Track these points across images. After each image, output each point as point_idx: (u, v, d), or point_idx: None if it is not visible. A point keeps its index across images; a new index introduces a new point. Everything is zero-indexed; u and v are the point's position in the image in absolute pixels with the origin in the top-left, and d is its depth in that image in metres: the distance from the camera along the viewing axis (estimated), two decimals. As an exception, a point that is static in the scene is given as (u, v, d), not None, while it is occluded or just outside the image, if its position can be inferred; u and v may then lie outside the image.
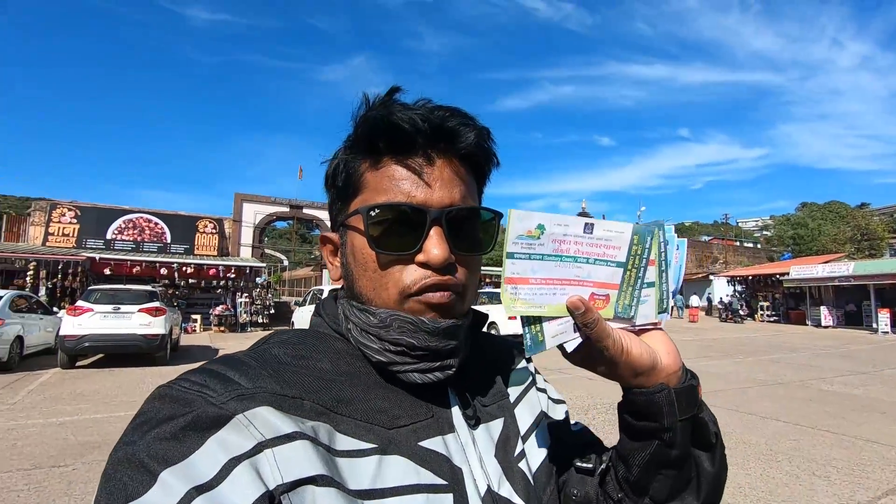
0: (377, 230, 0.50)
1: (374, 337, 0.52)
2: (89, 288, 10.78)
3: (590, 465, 0.62)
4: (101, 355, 10.58)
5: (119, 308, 9.78)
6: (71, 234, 19.75)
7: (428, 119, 0.51)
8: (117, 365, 9.95)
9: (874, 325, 20.00)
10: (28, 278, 15.63)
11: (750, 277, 29.35)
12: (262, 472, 0.40)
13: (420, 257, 0.50)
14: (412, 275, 0.50)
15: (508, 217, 0.46)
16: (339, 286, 0.61)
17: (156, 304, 10.21)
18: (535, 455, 0.61)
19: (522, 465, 0.58)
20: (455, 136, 0.52)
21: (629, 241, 0.50)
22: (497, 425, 0.59)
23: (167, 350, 10.44)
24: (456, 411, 0.56)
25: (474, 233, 0.54)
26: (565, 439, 0.67)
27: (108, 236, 20.30)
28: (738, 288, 30.02)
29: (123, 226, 20.70)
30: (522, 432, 0.61)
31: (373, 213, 0.50)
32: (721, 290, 32.27)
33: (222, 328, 19.16)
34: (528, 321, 0.49)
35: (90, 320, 9.47)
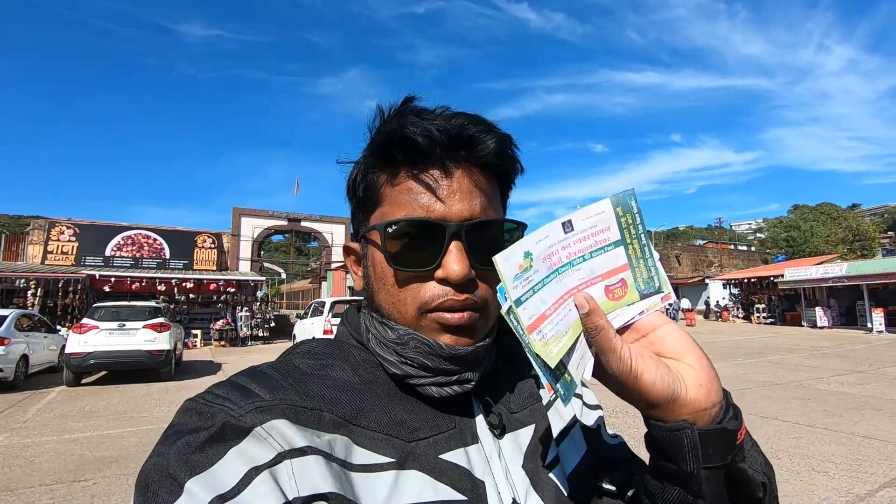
0: (395, 246, 0.49)
1: (391, 350, 0.51)
2: (94, 305, 10.85)
3: (613, 489, 0.57)
4: (105, 372, 10.63)
5: (124, 325, 9.86)
6: (70, 252, 19.82)
7: (445, 129, 0.49)
8: (122, 381, 10.00)
9: (869, 325, 20.25)
10: (30, 297, 15.64)
11: (745, 280, 29.64)
12: (281, 483, 0.40)
13: (439, 273, 0.48)
14: (430, 291, 0.49)
15: (496, 265, 0.41)
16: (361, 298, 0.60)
17: (160, 319, 10.30)
18: (568, 462, 0.58)
19: (554, 474, 0.55)
20: (474, 144, 0.50)
21: (614, 215, 0.45)
22: (527, 433, 0.56)
23: (172, 365, 10.50)
24: (480, 421, 0.54)
25: (497, 246, 0.48)
26: (596, 451, 0.62)
27: (108, 253, 20.37)
28: (734, 291, 30.29)
29: (122, 242, 20.78)
30: (560, 433, 0.59)
31: (390, 230, 0.49)
32: (717, 293, 32.54)
33: (223, 343, 19.17)
34: (548, 370, 0.43)
35: (95, 337, 9.54)
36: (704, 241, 55.64)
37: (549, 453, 0.56)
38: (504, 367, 0.61)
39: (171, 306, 16.80)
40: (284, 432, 0.42)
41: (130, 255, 20.76)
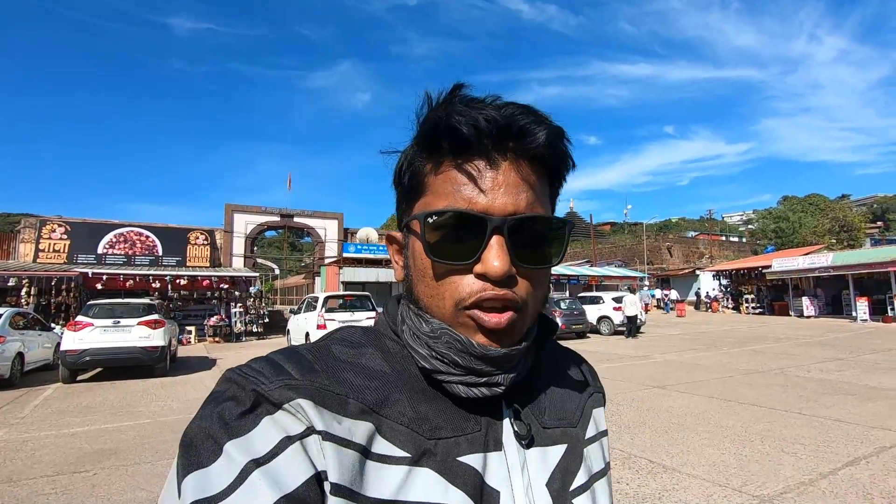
0: (435, 237, 0.48)
1: (423, 343, 0.51)
2: (88, 303, 10.91)
3: None
4: (100, 369, 10.75)
5: (119, 322, 9.96)
6: (62, 250, 19.77)
7: (493, 118, 0.47)
8: (118, 378, 10.12)
9: (854, 314, 20.69)
10: (23, 295, 15.65)
11: (734, 271, 30.06)
12: (311, 454, 0.42)
13: (478, 268, 0.47)
14: (469, 286, 0.48)
15: None
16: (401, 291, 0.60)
17: (155, 316, 10.40)
18: (600, 498, 0.56)
19: (581, 500, 0.53)
20: (524, 135, 0.48)
21: None
22: (556, 451, 0.54)
23: (167, 361, 10.63)
24: (507, 428, 0.52)
25: (540, 243, 0.50)
26: None
27: (100, 251, 20.33)
28: (724, 282, 30.72)
29: (114, 240, 20.74)
30: (593, 471, 0.57)
31: (430, 220, 0.48)
32: (708, 284, 32.98)
33: (217, 339, 19.28)
34: None
35: (90, 335, 9.64)
36: (697, 233, 56.06)
37: (578, 479, 0.54)
38: (545, 378, 0.59)
39: (165, 303, 16.86)
40: (308, 412, 0.43)
41: (123, 252, 20.74)
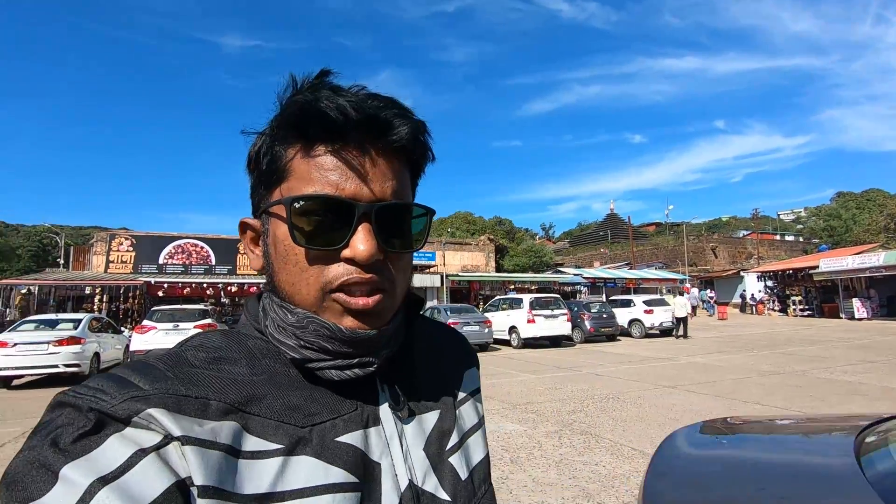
0: (302, 222, 0.47)
1: (290, 335, 0.50)
2: (152, 309, 12.33)
3: None
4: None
5: (178, 325, 11.23)
6: (128, 261, 21.97)
7: (360, 108, 0.47)
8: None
9: (909, 316, 19.62)
10: (97, 302, 17.59)
11: (780, 272, 28.96)
12: (171, 462, 0.39)
13: (346, 253, 0.47)
14: (335, 270, 0.48)
15: None
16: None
17: (208, 320, 11.64)
18: (474, 453, 0.60)
19: (454, 459, 0.56)
20: (389, 127, 0.49)
21: None
22: (431, 417, 0.57)
23: (219, 361, 11.82)
24: (384, 403, 0.53)
25: (406, 230, 0.51)
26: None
27: (161, 261, 22.40)
28: (769, 283, 29.65)
29: (173, 251, 22.77)
30: (466, 429, 0.61)
31: (297, 205, 0.47)
32: (753, 286, 31.88)
33: (265, 341, 20.69)
34: None
35: (154, 337, 10.95)
36: (749, 232, 53.77)
37: (451, 440, 0.57)
38: (417, 351, 0.61)
39: (218, 308, 18.39)
40: (162, 421, 0.40)
41: (181, 262, 22.76)
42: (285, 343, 0.50)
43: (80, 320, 10.98)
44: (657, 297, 20.27)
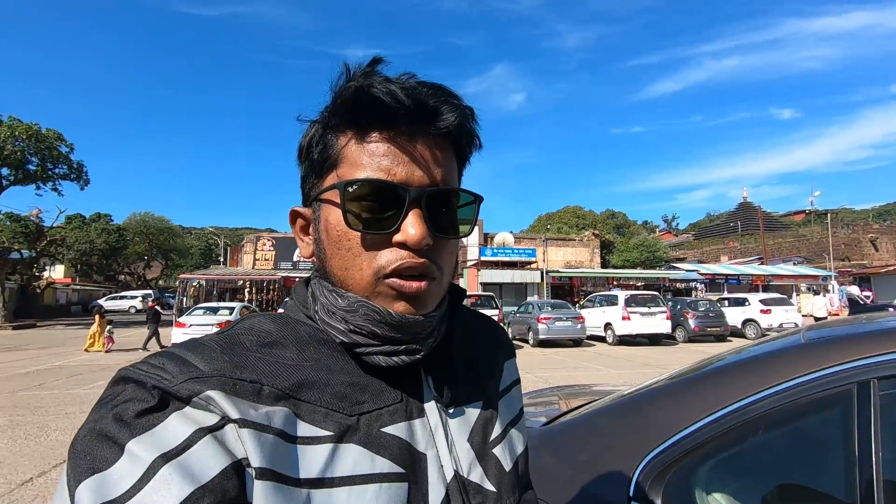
0: (355, 207, 0.48)
1: (340, 318, 0.51)
2: (285, 300, 14.88)
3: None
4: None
5: (304, 314, 13.54)
6: (270, 259, 26.29)
7: (411, 94, 0.48)
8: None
9: None
10: (246, 293, 21.57)
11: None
12: (228, 443, 0.40)
13: (398, 237, 0.48)
14: (387, 255, 0.49)
15: None
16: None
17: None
18: (516, 444, 0.61)
19: (498, 450, 0.57)
20: (437, 114, 0.50)
21: None
22: (474, 409, 0.58)
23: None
24: (428, 394, 0.54)
25: (454, 216, 0.52)
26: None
27: (295, 259, 26.30)
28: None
29: (304, 250, 26.65)
30: (508, 420, 0.61)
31: (350, 189, 0.48)
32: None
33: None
34: None
35: (287, 323, 13.36)
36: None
37: (495, 431, 0.58)
38: (459, 341, 0.62)
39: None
40: (220, 403, 0.41)
41: (310, 260, 26.35)
42: (335, 327, 0.51)
43: (234, 308, 13.88)
44: (778, 295, 18.43)
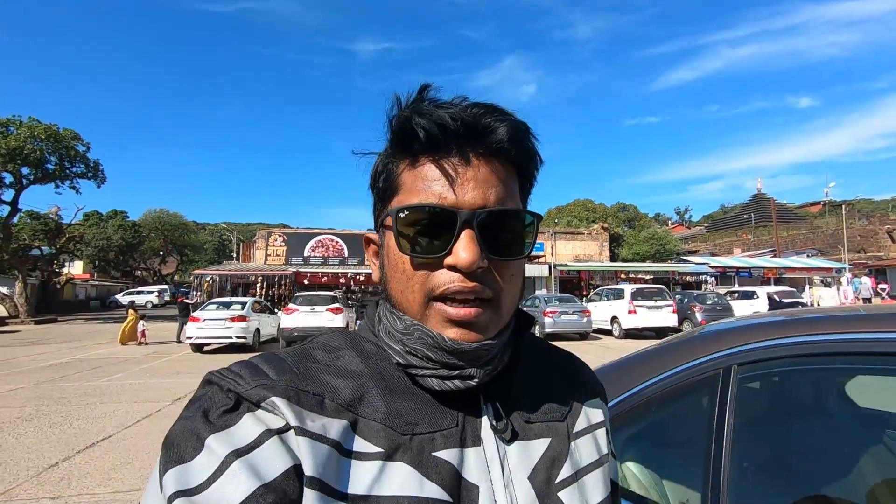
0: (407, 231, 0.50)
1: (398, 340, 0.52)
2: (295, 294, 15.32)
3: None
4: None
5: (314, 308, 13.86)
6: (281, 255, 26.75)
7: (460, 117, 0.49)
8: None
9: None
10: (258, 288, 21.96)
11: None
12: (291, 447, 0.43)
13: (449, 260, 0.49)
14: (438, 278, 0.49)
15: None
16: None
17: (337, 304, 14.12)
18: (592, 492, 0.55)
19: (565, 494, 0.53)
20: (487, 131, 0.50)
21: None
22: (540, 445, 0.55)
23: (346, 339, 14.41)
24: (486, 423, 0.52)
25: (511, 236, 0.52)
26: None
27: (305, 254, 26.82)
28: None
29: (315, 245, 27.05)
30: (582, 464, 0.57)
31: (402, 215, 0.50)
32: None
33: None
34: None
35: (296, 317, 13.68)
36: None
37: (563, 473, 0.54)
38: (526, 372, 0.60)
39: (348, 295, 21.52)
40: (283, 409, 0.44)
41: (320, 255, 26.94)
42: (393, 348, 0.53)
43: (245, 303, 14.21)
44: (788, 288, 18.37)
